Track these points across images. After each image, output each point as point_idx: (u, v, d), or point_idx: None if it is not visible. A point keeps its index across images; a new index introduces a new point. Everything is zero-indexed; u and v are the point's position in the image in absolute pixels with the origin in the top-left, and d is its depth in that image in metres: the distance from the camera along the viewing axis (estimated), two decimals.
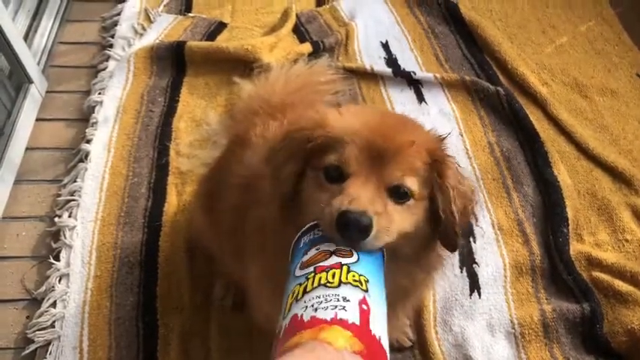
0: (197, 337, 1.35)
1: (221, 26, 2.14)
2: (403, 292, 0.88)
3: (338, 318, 0.48)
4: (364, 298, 0.52)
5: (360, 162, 0.73)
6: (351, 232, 0.67)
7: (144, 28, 2.13)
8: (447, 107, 1.85)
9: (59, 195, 1.65)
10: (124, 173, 1.67)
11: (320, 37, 2.07)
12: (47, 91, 1.93)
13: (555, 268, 1.46)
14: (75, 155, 1.74)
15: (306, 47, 1.99)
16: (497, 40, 2.04)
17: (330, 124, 0.78)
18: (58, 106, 1.91)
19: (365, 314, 0.50)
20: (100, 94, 1.89)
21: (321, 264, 0.56)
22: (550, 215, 1.56)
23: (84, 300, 1.42)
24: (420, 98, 1.87)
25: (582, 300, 1.39)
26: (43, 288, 1.45)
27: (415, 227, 0.77)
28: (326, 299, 0.51)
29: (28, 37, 1.98)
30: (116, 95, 1.89)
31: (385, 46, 2.07)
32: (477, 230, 1.53)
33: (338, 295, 0.51)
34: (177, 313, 1.39)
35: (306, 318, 0.49)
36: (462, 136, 1.77)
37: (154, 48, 1.99)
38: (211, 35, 2.09)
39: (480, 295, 1.41)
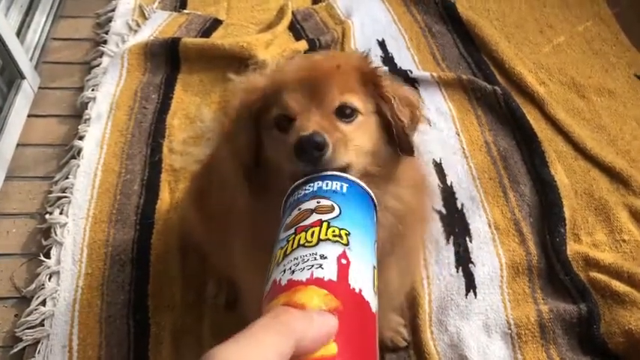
0: (189, 336, 1.33)
1: (216, 23, 2.13)
2: (397, 219, 0.85)
3: (314, 277, 0.47)
4: (344, 252, 0.50)
5: (300, 101, 0.77)
6: (307, 152, 0.69)
7: (138, 25, 2.11)
8: (443, 106, 1.84)
9: (50, 192, 1.62)
10: (117, 170, 1.65)
11: (316, 35, 2.05)
12: (40, 87, 1.91)
13: (552, 268, 1.44)
14: (67, 152, 1.72)
15: (302, 45, 1.97)
16: (494, 40, 2.03)
17: (265, 83, 0.81)
18: (51, 102, 1.88)
19: (344, 269, 0.48)
20: (93, 90, 1.87)
21: (301, 224, 0.55)
22: (547, 215, 1.54)
23: (74, 298, 1.40)
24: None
25: (579, 300, 1.37)
26: (33, 286, 1.42)
27: (372, 143, 0.79)
28: (303, 260, 0.49)
29: (20, 32, 1.96)
30: (109, 92, 1.87)
31: (382, 44, 2.05)
32: (473, 230, 1.52)
33: (316, 254, 0.49)
34: (169, 311, 1.37)
35: (283, 282, 0.48)
36: (458, 135, 1.76)
37: (148, 44, 1.97)
38: (206, 32, 2.07)
39: (475, 295, 1.40)
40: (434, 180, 1.62)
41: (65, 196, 1.59)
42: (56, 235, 1.51)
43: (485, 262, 1.46)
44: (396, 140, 0.82)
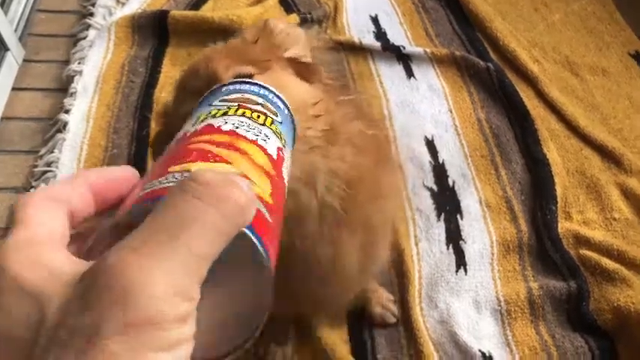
0: None
1: None
2: (344, 182, 0.77)
3: (259, 143, 0.43)
4: (281, 147, 0.47)
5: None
6: None
7: None
8: (436, 83, 1.81)
9: (35, 166, 1.59)
10: (103, 144, 1.62)
11: (308, 9, 2.02)
12: (24, 60, 1.86)
13: (543, 246, 1.44)
14: (52, 126, 1.68)
15: (293, 19, 1.93)
16: (488, 17, 2.00)
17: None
18: (36, 75, 1.84)
19: (280, 160, 0.44)
20: (79, 63, 1.83)
21: (246, 105, 0.51)
22: (538, 193, 1.54)
23: None
24: (409, 73, 1.83)
25: (569, 278, 1.37)
26: None
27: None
28: (249, 126, 0.44)
29: (4, 3, 1.91)
30: (96, 65, 1.83)
31: (375, 20, 2.02)
32: (464, 207, 1.51)
33: (260, 130, 0.45)
34: None
35: (225, 128, 0.43)
36: (450, 112, 1.74)
37: (135, 17, 1.92)
38: (196, 5, 2.03)
39: (466, 271, 1.39)
40: (425, 157, 1.60)
41: (50, 170, 1.56)
42: None
43: (475, 240, 1.45)
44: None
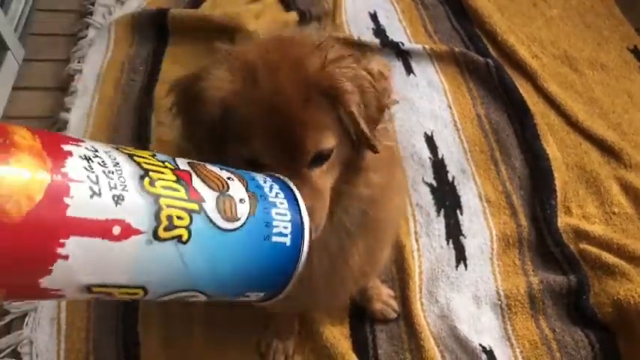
0: (178, 307, 1.32)
1: None
2: (368, 206, 0.82)
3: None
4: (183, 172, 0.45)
5: (272, 154, 0.70)
6: None
7: None
8: (435, 79, 1.82)
9: None
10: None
11: (307, 6, 2.02)
12: (24, 59, 1.87)
13: (543, 241, 1.44)
14: (53, 124, 1.69)
15: (293, 16, 1.94)
16: (487, 12, 2.00)
17: (224, 99, 0.71)
18: (36, 74, 1.85)
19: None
20: (79, 62, 1.84)
21: (183, 171, 0.47)
22: (538, 188, 1.54)
23: None
24: (409, 70, 1.83)
25: (569, 272, 1.38)
26: None
27: (340, 169, 0.76)
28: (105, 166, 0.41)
29: (4, 3, 1.91)
30: (96, 64, 1.83)
31: (373, 16, 2.02)
32: (464, 202, 1.52)
33: (117, 174, 0.42)
34: None
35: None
36: (450, 108, 1.74)
37: (135, 16, 1.93)
38: (195, 3, 2.03)
39: (466, 266, 1.40)
40: (425, 153, 1.61)
41: None
42: None
43: (475, 235, 1.45)
44: (361, 145, 0.76)
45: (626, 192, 1.56)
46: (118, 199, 0.36)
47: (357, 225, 0.83)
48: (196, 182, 0.43)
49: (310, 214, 0.62)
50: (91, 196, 0.35)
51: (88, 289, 0.38)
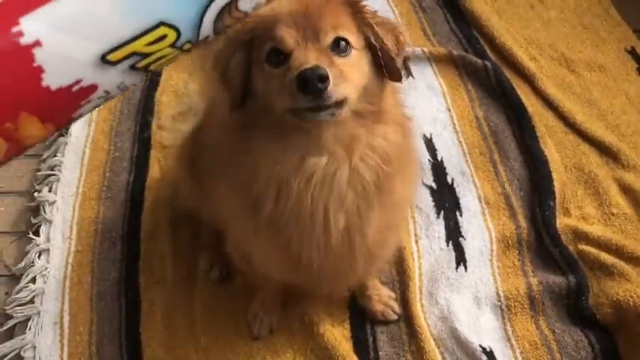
0: (181, 312, 1.33)
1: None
2: (383, 160, 0.87)
3: None
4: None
5: (295, 36, 0.77)
6: (311, 85, 0.72)
7: None
8: (434, 82, 1.83)
9: (39, 170, 1.61)
10: (106, 147, 1.64)
11: None
12: None
13: (542, 242, 1.45)
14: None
15: None
16: (485, 15, 2.01)
17: (255, 17, 0.80)
18: None
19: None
20: None
21: None
22: (537, 189, 1.55)
23: (64, 275, 1.40)
24: (407, 72, 1.84)
25: (568, 273, 1.38)
26: (23, 263, 1.42)
27: (365, 77, 0.82)
28: None
29: None
30: None
31: None
32: (463, 204, 1.53)
33: None
34: (160, 287, 1.37)
35: None
36: (449, 110, 1.75)
37: None
38: None
39: (466, 268, 1.40)
40: (424, 155, 1.62)
41: (54, 174, 1.58)
42: (45, 212, 1.50)
43: (475, 236, 1.46)
44: (384, 69, 0.84)
45: (625, 193, 1.57)
46: None
47: (374, 183, 0.87)
48: None
49: (338, 78, 0.74)
50: None
51: (104, 59, 0.42)
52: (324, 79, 0.72)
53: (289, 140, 0.82)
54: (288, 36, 0.77)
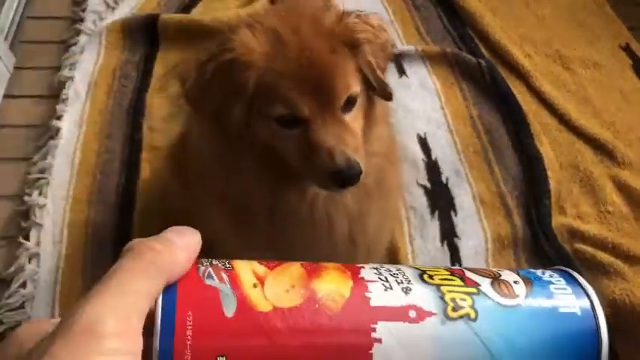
0: None
1: None
2: (382, 160, 0.89)
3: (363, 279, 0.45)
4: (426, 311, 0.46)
5: (309, 103, 0.74)
6: (347, 183, 0.75)
7: (116, 2, 2.05)
8: (427, 80, 1.81)
9: (29, 173, 1.59)
10: (96, 150, 1.62)
11: None
12: (15, 67, 1.86)
13: (537, 241, 1.44)
14: (45, 132, 1.68)
15: None
16: (479, 13, 2.00)
17: (256, 62, 0.75)
18: (27, 82, 1.84)
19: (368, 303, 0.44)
20: (70, 69, 1.83)
21: (470, 277, 0.48)
22: (532, 188, 1.54)
23: (55, 280, 1.38)
24: (401, 71, 1.83)
25: None
26: (13, 268, 1.40)
27: (364, 111, 0.82)
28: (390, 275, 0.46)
29: None
30: (87, 71, 1.82)
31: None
32: (458, 204, 1.51)
33: (409, 283, 0.46)
34: None
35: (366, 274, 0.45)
36: (443, 109, 1.74)
37: (126, 22, 1.92)
38: (186, 8, 2.03)
39: None
40: (418, 155, 1.60)
41: (44, 177, 1.55)
42: (35, 216, 1.48)
43: (470, 236, 1.45)
44: (376, 92, 0.83)
45: (620, 190, 1.56)
46: (406, 290, 0.44)
47: (376, 183, 0.88)
48: (469, 274, 0.48)
49: (356, 153, 0.74)
50: (385, 290, 0.43)
51: None
52: (360, 175, 0.73)
53: (291, 173, 0.81)
54: (302, 104, 0.74)
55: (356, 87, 0.78)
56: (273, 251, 0.92)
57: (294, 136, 0.76)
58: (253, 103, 0.77)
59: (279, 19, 0.78)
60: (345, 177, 0.73)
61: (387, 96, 0.84)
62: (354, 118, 0.78)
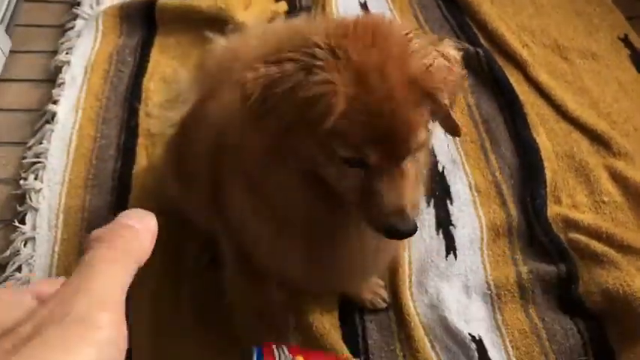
0: (167, 302, 1.32)
1: None
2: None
3: None
4: None
5: (380, 151, 0.72)
6: (398, 238, 0.77)
7: None
8: None
9: (24, 157, 1.59)
10: (92, 135, 1.61)
11: None
12: (11, 51, 1.85)
13: (532, 230, 1.45)
14: (41, 117, 1.67)
15: (282, 6, 1.92)
16: (477, 1, 2.00)
17: (338, 104, 0.70)
18: (23, 66, 1.83)
19: None
20: (67, 54, 1.82)
21: None
22: (528, 177, 1.54)
23: (50, 264, 1.38)
24: None
25: (558, 261, 1.38)
26: (8, 252, 1.40)
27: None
28: None
29: None
30: (84, 55, 1.81)
31: (364, 5, 2.01)
32: (453, 192, 1.52)
33: None
34: (147, 277, 1.35)
35: None
36: None
37: (123, 6, 1.91)
38: None
39: (455, 256, 1.40)
40: None
41: (40, 162, 1.55)
42: (31, 200, 1.48)
43: (465, 224, 1.46)
44: (447, 130, 0.83)
45: (616, 181, 1.56)
46: None
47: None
48: None
49: (414, 209, 0.74)
50: None
51: None
52: (414, 232, 0.73)
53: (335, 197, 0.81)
54: (374, 153, 0.72)
55: (426, 135, 0.75)
56: (302, 254, 0.94)
57: (354, 174, 0.74)
58: (322, 138, 0.73)
59: (364, 53, 0.71)
60: (398, 233, 0.73)
61: (457, 133, 0.82)
62: (415, 161, 0.77)
